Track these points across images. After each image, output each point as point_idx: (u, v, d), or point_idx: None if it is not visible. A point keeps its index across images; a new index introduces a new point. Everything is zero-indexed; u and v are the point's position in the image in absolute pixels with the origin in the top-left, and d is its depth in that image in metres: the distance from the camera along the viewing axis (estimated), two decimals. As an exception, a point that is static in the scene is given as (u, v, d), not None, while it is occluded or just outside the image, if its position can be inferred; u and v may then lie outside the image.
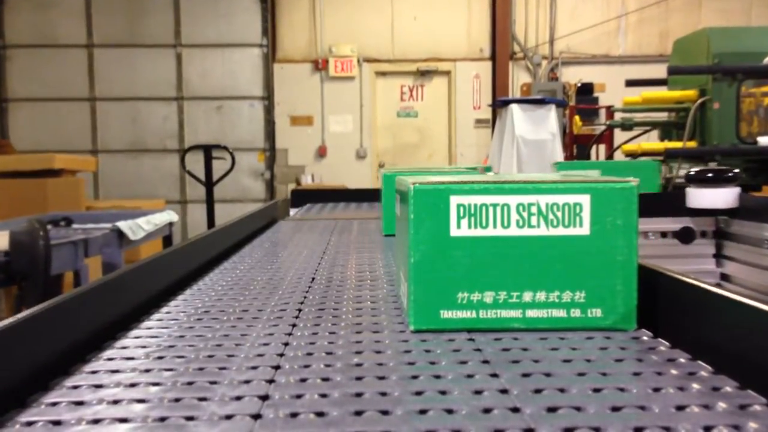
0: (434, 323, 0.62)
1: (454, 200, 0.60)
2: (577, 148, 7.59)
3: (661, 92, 6.76)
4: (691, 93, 6.45)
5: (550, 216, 0.61)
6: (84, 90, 9.93)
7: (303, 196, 2.35)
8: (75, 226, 3.87)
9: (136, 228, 3.54)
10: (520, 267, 0.61)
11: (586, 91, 9.73)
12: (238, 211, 7.79)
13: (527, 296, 0.61)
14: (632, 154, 6.66)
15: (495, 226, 0.61)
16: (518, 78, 10.26)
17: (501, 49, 10.18)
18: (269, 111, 10.10)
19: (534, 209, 0.61)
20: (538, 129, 6.44)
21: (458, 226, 0.61)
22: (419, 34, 10.14)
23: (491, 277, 0.61)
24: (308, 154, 10.17)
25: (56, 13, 9.84)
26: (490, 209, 0.61)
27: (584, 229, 0.61)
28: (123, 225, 3.39)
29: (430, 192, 0.61)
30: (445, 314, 0.62)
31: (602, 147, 7.54)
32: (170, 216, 4.24)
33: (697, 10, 10.20)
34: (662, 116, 6.82)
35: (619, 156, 7.03)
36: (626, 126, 6.91)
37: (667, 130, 6.82)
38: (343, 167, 10.13)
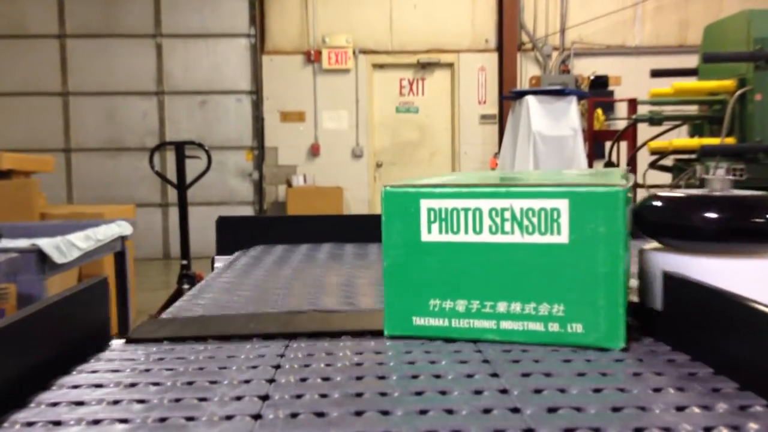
0: (407, 329, 0.63)
1: (425, 204, 0.61)
2: (595, 145, 7.05)
3: (695, 83, 6.21)
4: (729, 83, 5.91)
5: (525, 222, 0.59)
6: (56, 84, 9.43)
7: (239, 229, 1.34)
8: (2, 241, 3.15)
9: (67, 247, 2.78)
10: (493, 275, 0.61)
11: (600, 84, 9.37)
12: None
13: (501, 307, 0.61)
14: (661, 152, 6.19)
15: (467, 231, 0.61)
16: (527, 70, 9.83)
17: (508, 39, 9.78)
18: (257, 106, 9.69)
19: (507, 214, 0.60)
20: (557, 124, 5.90)
21: (429, 231, 0.61)
22: (420, 23, 9.81)
23: (463, 284, 0.61)
24: (300, 153, 9.80)
25: (25, 0, 9.32)
26: (461, 214, 0.61)
27: (562, 237, 0.59)
28: (46, 244, 2.63)
29: (401, 195, 0.62)
30: (418, 321, 0.63)
31: (623, 145, 6.99)
32: (122, 228, 3.49)
33: None
34: (693, 109, 6.41)
35: (643, 154, 6.59)
36: (655, 120, 6.50)
37: (698, 126, 6.42)
38: (338, 167, 9.76)
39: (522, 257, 0.59)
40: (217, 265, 1.25)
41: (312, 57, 9.70)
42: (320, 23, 9.72)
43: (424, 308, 0.62)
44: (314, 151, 9.77)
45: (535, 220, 0.58)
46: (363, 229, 1.30)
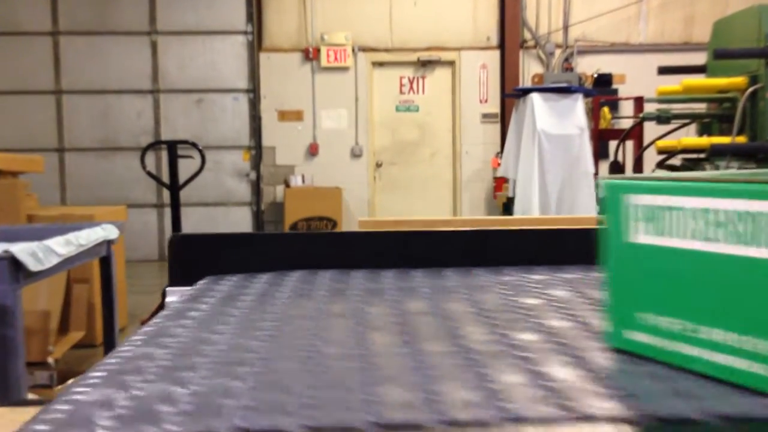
0: (619, 342, 0.58)
1: (630, 200, 0.55)
2: (599, 145, 6.91)
3: (704, 80, 6.09)
4: (739, 80, 5.80)
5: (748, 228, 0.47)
6: (49, 82, 9.26)
7: (205, 251, 1.03)
8: (-20, 246, 2.96)
9: (45, 253, 2.60)
10: (702, 292, 0.50)
11: (604, 82, 9.17)
12: (221, 217, 6.95)
13: (705, 332, 0.50)
14: (670, 152, 6.07)
15: (678, 235, 0.52)
16: (529, 68, 9.68)
17: (510, 36, 9.65)
18: (255, 105, 9.52)
19: (727, 217, 0.48)
20: (563, 122, 5.75)
21: (637, 231, 0.55)
22: (420, 20, 9.67)
23: (669, 298, 0.53)
24: (298, 153, 9.65)
25: (18, -3, 9.19)
26: (672, 214, 0.52)
27: None
28: (21, 251, 2.45)
29: (612, 188, 0.57)
30: (627, 335, 0.57)
31: (628, 144, 6.85)
32: (107, 232, 3.30)
33: None
34: (701, 107, 6.30)
35: (650, 154, 6.48)
36: (663, 119, 6.38)
37: (707, 124, 6.32)
38: (337, 167, 9.61)
39: (739, 273, 0.48)
40: (170, 300, 0.95)
41: (310, 55, 9.56)
42: (319, 20, 9.58)
43: (632, 321, 0.56)
44: (313, 150, 9.62)
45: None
46: (372, 248, 1.01)
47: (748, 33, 5.76)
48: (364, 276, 0.91)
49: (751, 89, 5.64)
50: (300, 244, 1.02)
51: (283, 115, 9.58)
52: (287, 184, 9.32)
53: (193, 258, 1.02)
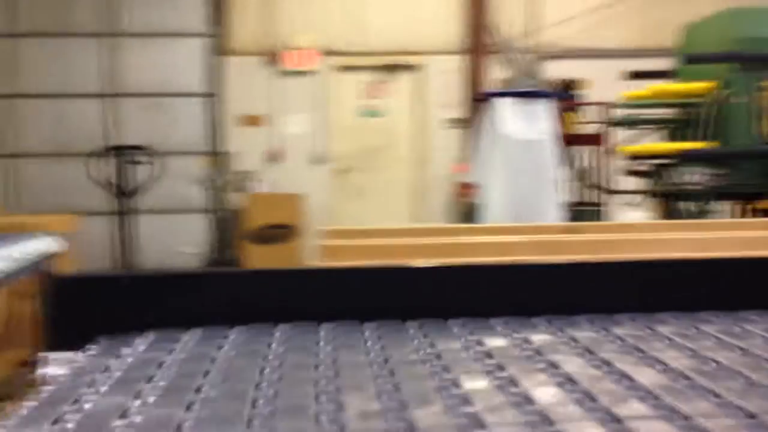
0: None
1: None
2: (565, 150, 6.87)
3: (674, 85, 6.08)
4: (708, 85, 5.77)
5: None
6: (2, 85, 9.02)
7: (102, 299, 0.76)
8: None
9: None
10: None
11: (571, 86, 9.20)
12: (180, 225, 6.69)
13: None
14: (639, 157, 6.06)
15: None
16: (496, 73, 9.58)
17: (477, 41, 9.54)
18: (215, 109, 9.36)
19: None
20: (529, 127, 5.66)
21: None
22: (387, 25, 9.59)
23: None
24: (259, 159, 9.51)
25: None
26: None
27: None
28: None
29: None
30: None
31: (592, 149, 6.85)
32: (48, 244, 3.05)
33: (692, 0, 9.63)
34: (670, 113, 6.25)
35: (613, 160, 6.48)
36: (631, 124, 6.43)
37: (675, 130, 6.37)
38: (300, 173, 9.48)
39: None
40: (52, 373, 0.67)
41: (274, 58, 9.46)
42: (283, 23, 9.46)
43: None
44: (275, 156, 9.53)
45: None
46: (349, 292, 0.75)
47: (718, 37, 5.75)
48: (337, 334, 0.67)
49: (719, 94, 5.63)
50: (239, 283, 0.76)
51: (245, 120, 9.47)
52: (248, 191, 9.15)
53: (86, 308, 0.75)
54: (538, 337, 0.77)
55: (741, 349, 0.69)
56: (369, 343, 0.70)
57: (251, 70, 9.43)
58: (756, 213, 5.40)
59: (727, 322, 0.79)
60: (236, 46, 9.42)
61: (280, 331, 0.72)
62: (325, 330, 0.74)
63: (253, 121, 9.49)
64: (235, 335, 0.70)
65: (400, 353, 0.68)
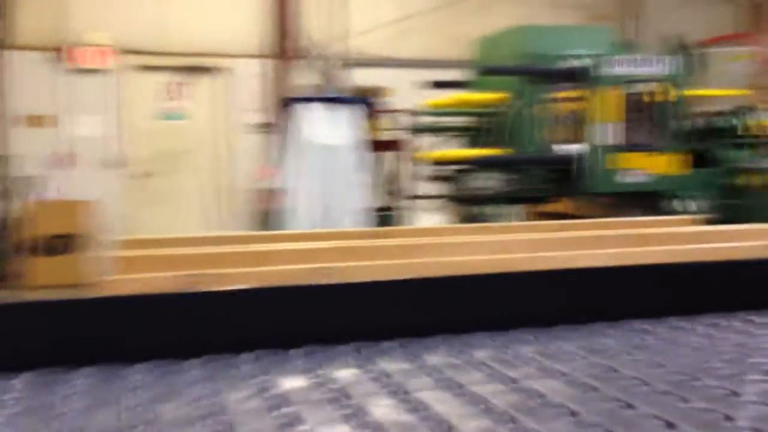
0: None
1: None
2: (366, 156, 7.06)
3: (474, 94, 6.40)
4: (504, 96, 6.10)
5: None
6: None
7: None
8: None
9: None
10: None
11: (373, 94, 9.49)
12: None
13: None
14: (443, 163, 6.33)
15: None
16: (303, 79, 9.65)
17: (285, 46, 9.55)
18: None
19: None
20: (333, 133, 5.71)
21: None
22: (191, 25, 9.42)
23: None
24: (47, 163, 9.02)
25: None
26: None
27: None
28: None
29: None
30: None
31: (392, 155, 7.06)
32: None
33: (487, 15, 10.10)
34: (467, 121, 6.56)
35: (411, 165, 6.68)
36: (431, 131, 6.68)
37: (473, 137, 6.54)
38: (91, 178, 9.07)
39: None
40: None
41: (65, 55, 8.98)
42: (76, 18, 8.98)
43: None
44: (64, 160, 9.06)
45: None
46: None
47: (510, 51, 6.07)
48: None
49: (514, 105, 5.94)
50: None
51: (31, 121, 8.96)
52: (34, 198, 8.57)
53: None
54: (342, 374, 0.67)
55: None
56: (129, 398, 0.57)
57: (41, 68, 8.94)
58: (541, 216, 5.74)
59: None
60: (23, 40, 8.86)
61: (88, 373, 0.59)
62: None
63: (37, 121, 9.01)
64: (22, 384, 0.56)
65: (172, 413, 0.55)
